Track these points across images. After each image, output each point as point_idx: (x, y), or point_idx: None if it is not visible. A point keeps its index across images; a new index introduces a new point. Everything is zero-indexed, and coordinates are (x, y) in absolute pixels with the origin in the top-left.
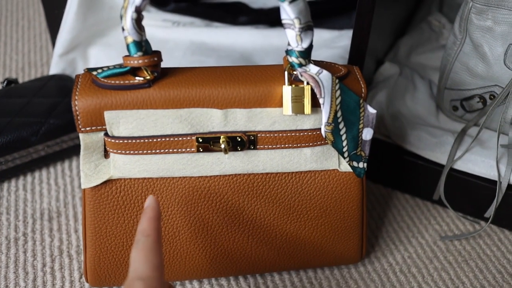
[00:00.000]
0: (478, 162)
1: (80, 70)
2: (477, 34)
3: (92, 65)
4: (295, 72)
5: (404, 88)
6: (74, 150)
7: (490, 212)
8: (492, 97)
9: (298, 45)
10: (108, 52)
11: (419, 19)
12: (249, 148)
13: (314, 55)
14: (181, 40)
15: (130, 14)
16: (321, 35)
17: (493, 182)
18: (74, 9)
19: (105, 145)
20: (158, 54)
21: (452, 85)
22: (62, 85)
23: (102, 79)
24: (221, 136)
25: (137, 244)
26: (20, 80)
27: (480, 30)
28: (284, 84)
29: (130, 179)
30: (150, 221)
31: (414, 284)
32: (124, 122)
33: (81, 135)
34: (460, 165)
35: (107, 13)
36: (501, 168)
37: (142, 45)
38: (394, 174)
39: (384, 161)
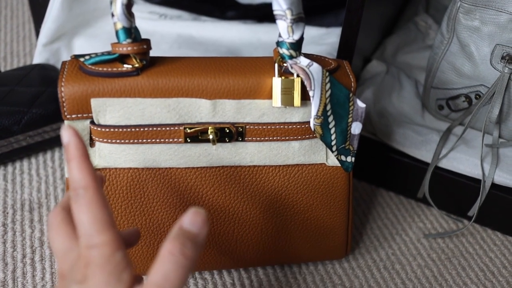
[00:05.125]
0: (463, 161)
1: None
2: (465, 34)
3: None
4: (285, 64)
5: (391, 87)
6: (56, 141)
7: (474, 210)
8: (478, 96)
9: (289, 37)
10: (93, 43)
11: (406, 19)
12: (237, 140)
13: (302, 51)
14: (168, 33)
15: None
16: (308, 32)
17: (477, 181)
18: None
19: (90, 134)
20: (147, 41)
21: (438, 84)
22: (46, 75)
23: (90, 66)
24: (209, 127)
25: (76, 200)
26: (2, 70)
27: (467, 30)
28: (274, 76)
29: (116, 168)
30: (80, 167)
31: (397, 281)
32: (111, 110)
33: (66, 123)
34: (445, 163)
35: (94, 3)
36: (485, 167)
37: (132, 32)
38: (379, 172)
39: (369, 158)
